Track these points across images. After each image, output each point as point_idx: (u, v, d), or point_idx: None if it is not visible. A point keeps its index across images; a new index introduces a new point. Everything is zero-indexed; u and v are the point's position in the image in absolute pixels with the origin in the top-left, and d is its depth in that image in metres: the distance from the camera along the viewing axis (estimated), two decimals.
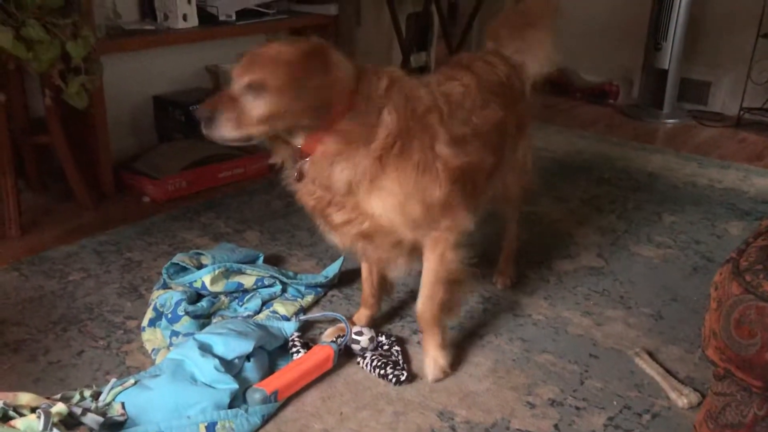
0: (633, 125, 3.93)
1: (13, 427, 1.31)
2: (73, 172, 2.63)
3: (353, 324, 1.90)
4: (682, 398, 1.68)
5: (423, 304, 1.74)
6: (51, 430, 1.31)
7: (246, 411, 1.56)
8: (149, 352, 1.83)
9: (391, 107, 1.54)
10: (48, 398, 1.48)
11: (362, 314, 1.96)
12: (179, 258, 2.13)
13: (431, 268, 1.70)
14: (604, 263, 2.37)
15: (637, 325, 2.01)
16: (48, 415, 1.34)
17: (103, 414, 1.47)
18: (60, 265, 2.29)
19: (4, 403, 1.35)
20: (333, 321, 1.96)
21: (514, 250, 2.26)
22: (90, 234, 2.50)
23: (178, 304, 1.90)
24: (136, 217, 2.64)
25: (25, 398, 1.40)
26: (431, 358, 1.77)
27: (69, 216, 2.63)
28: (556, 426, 1.62)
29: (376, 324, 1.97)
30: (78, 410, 1.43)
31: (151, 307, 1.95)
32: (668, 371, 1.79)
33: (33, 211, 2.64)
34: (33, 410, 1.37)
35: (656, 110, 4.02)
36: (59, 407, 1.38)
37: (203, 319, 1.93)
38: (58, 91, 2.38)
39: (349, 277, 2.19)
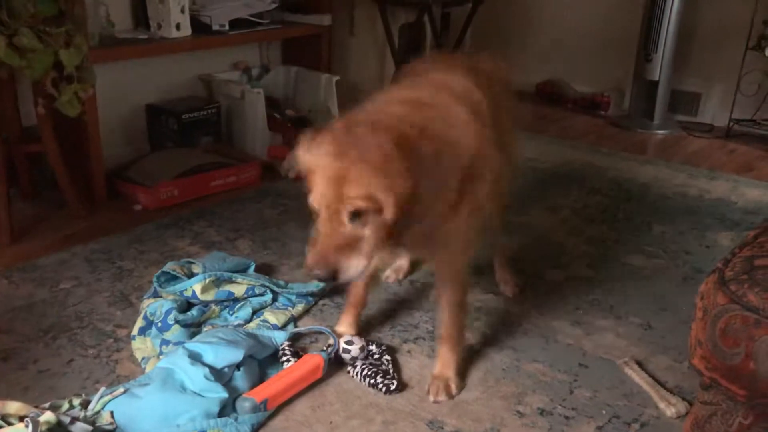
0: (624, 136, 3.96)
1: None
2: (65, 180, 2.63)
3: (339, 335, 1.89)
4: (670, 408, 1.69)
5: (449, 328, 1.77)
6: None
7: (236, 420, 1.56)
8: (139, 360, 1.83)
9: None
10: (36, 407, 1.48)
11: (348, 319, 1.95)
12: (170, 266, 2.13)
13: (455, 293, 1.74)
14: (595, 273, 2.38)
15: (627, 335, 2.02)
16: (36, 423, 1.33)
17: (92, 423, 1.46)
18: (51, 273, 2.28)
19: None
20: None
21: (507, 256, 2.27)
22: (81, 242, 2.49)
23: (168, 312, 1.90)
24: (128, 226, 2.64)
25: (13, 407, 1.40)
26: (444, 380, 1.75)
27: (60, 224, 2.63)
28: None
29: (367, 333, 1.97)
30: (67, 419, 1.43)
31: (142, 315, 1.95)
32: (657, 381, 1.80)
33: (24, 218, 2.63)
34: (21, 419, 1.37)
35: (647, 121, 4.05)
36: (48, 416, 1.37)
37: (193, 328, 1.93)
38: (51, 100, 2.38)
39: (339, 287, 2.20)
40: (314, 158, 1.32)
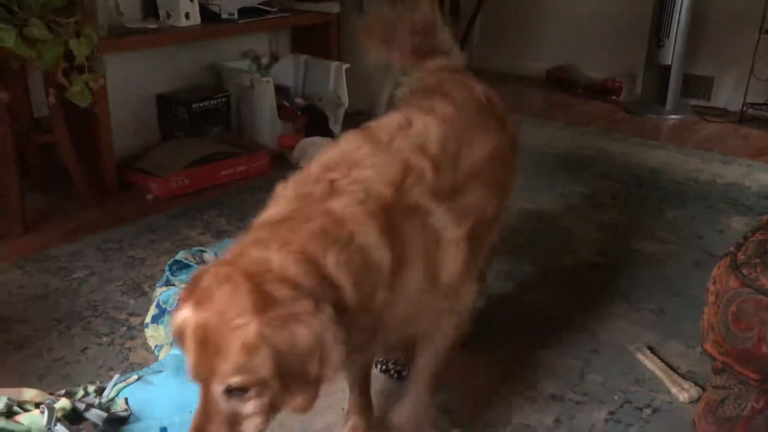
0: (636, 121, 3.93)
1: (18, 423, 1.33)
2: (76, 171, 2.64)
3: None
4: (683, 393, 1.68)
5: (427, 367, 1.48)
6: (55, 425, 1.32)
7: None
8: (152, 348, 1.85)
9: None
10: (52, 394, 1.49)
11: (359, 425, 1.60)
12: (182, 255, 2.14)
13: (429, 359, 1.46)
14: (606, 259, 2.37)
15: (639, 321, 2.01)
16: (52, 410, 1.35)
17: (107, 409, 1.47)
18: (64, 263, 2.30)
19: (9, 399, 1.36)
20: None
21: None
22: (93, 232, 2.51)
23: None
24: (139, 215, 2.66)
25: (29, 394, 1.42)
26: (415, 409, 1.52)
27: (72, 214, 2.65)
28: (557, 420, 1.62)
29: None
30: (82, 406, 1.44)
31: (154, 303, 1.96)
32: (670, 366, 1.80)
33: (36, 209, 2.65)
34: (37, 406, 1.38)
35: (659, 106, 4.02)
36: (63, 403, 1.39)
37: None
38: (62, 90, 2.39)
39: None
40: (183, 320, 1.07)
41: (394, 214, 1.22)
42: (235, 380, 1.02)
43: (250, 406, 1.05)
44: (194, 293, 1.07)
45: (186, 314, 1.06)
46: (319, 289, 1.07)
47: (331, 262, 1.11)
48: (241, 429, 1.06)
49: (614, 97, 4.28)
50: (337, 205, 1.19)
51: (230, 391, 1.03)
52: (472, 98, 1.60)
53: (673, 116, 3.97)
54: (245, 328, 1.00)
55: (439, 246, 1.29)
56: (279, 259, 1.08)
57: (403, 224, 1.23)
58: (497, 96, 1.69)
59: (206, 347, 1.02)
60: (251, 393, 1.03)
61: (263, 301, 1.01)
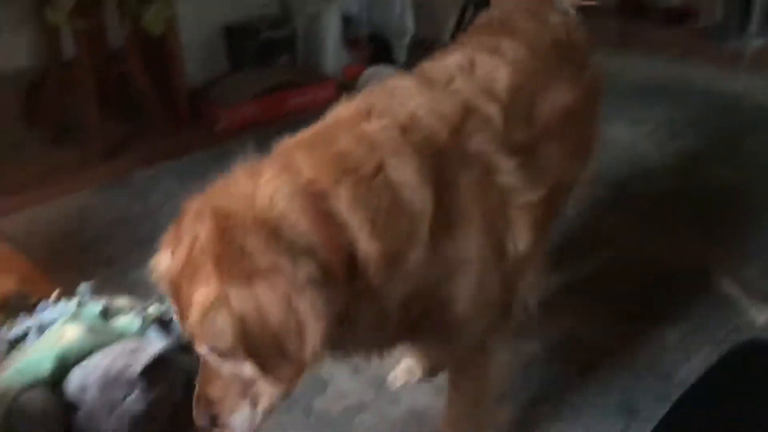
0: (716, 48, 3.72)
1: (113, 326, 1.41)
2: (151, 100, 2.71)
3: None
4: (761, 315, 1.65)
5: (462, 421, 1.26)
6: (147, 328, 1.40)
7: None
8: None
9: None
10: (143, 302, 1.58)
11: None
12: None
13: (475, 385, 1.22)
14: (681, 185, 2.31)
15: (714, 245, 1.97)
16: (144, 315, 1.43)
17: None
18: (142, 188, 2.40)
19: (104, 304, 1.45)
20: None
21: None
22: (169, 159, 2.59)
23: None
24: (212, 143, 2.72)
25: (122, 301, 1.50)
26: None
27: (148, 142, 2.72)
28: (628, 338, 1.62)
29: None
30: (170, 314, 1.52)
31: None
32: (747, 289, 1.76)
33: (114, 137, 2.73)
34: (129, 311, 1.47)
35: (741, 30, 3.79)
36: (154, 309, 1.47)
37: None
38: (135, 20, 2.43)
39: None
40: (161, 269, 0.97)
41: (446, 159, 0.97)
42: (203, 346, 0.86)
43: (248, 369, 0.85)
44: (176, 233, 0.93)
45: (164, 262, 0.94)
46: (311, 235, 0.85)
47: (343, 195, 0.88)
48: (252, 392, 0.88)
49: (692, 22, 4.06)
50: (372, 127, 0.96)
51: (217, 352, 0.85)
52: (547, 36, 1.35)
53: (757, 41, 3.74)
54: (205, 287, 0.83)
55: (507, 211, 1.04)
56: (268, 193, 0.89)
57: (458, 174, 0.98)
58: (580, 30, 1.47)
59: (180, 303, 0.89)
60: (240, 356, 0.84)
61: (228, 254, 0.83)
